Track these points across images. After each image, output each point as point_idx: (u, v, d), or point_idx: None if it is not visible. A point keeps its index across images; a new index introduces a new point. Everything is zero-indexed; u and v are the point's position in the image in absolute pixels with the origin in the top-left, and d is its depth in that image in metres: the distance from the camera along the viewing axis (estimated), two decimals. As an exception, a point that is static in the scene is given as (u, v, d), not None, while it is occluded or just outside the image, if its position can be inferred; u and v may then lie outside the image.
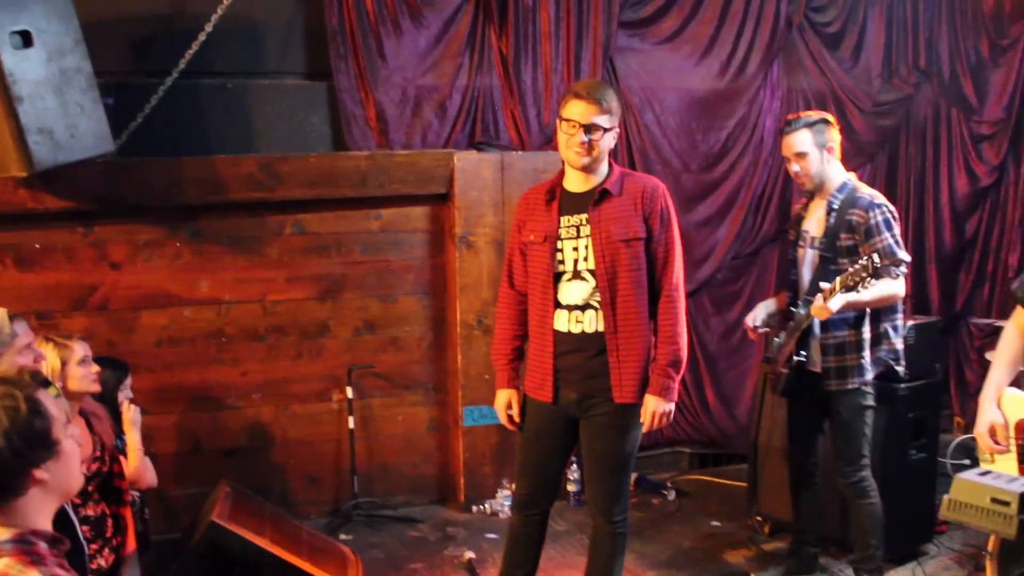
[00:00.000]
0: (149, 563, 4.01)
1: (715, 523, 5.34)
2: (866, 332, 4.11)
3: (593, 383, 3.59)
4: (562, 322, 3.62)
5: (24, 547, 1.85)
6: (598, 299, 3.56)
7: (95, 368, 3.76)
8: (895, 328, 4.19)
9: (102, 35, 4.67)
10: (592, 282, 3.57)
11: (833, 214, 4.09)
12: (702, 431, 6.21)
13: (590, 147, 3.50)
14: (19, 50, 3.96)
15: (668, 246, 3.59)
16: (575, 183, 3.65)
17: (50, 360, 3.61)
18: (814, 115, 4.16)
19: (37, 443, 1.94)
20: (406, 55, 5.41)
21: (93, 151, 4.35)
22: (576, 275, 3.60)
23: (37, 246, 4.89)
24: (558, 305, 3.63)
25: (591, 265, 3.56)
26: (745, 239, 6.18)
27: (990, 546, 3.83)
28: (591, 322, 3.58)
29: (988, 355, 5.02)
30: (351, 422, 5.41)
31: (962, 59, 6.48)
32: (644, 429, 3.61)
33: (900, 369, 4.23)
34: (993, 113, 6.50)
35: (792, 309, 4.24)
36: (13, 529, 1.88)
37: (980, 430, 3.46)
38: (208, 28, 4.91)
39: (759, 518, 5.14)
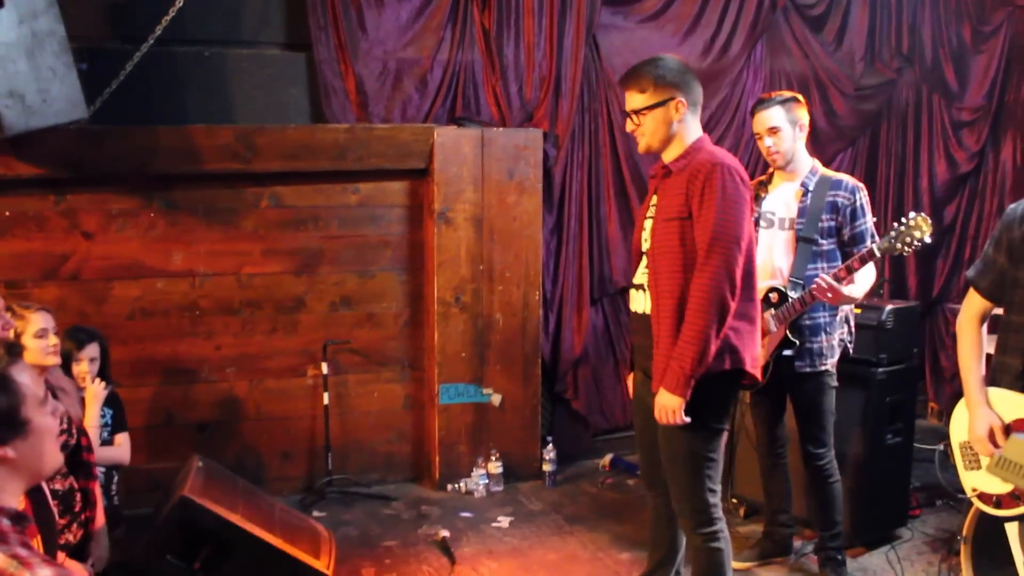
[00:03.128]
0: (119, 538, 3.95)
1: (690, 504, 5.33)
2: (838, 314, 4.15)
3: (649, 366, 3.43)
4: (632, 300, 3.57)
5: None
6: (647, 280, 3.44)
7: (54, 340, 3.65)
8: (851, 311, 4.26)
9: (76, -2, 4.58)
10: (646, 261, 3.47)
11: (810, 195, 4.07)
12: (678, 412, 6.19)
13: (640, 131, 3.41)
14: (-10, 11, 3.86)
15: (704, 226, 3.22)
16: (664, 160, 3.49)
17: None
18: (787, 93, 4.17)
19: (6, 419, 1.88)
20: (387, 27, 5.33)
21: (66, 117, 4.26)
22: (645, 254, 3.49)
23: (7, 214, 4.80)
24: (633, 283, 3.57)
25: (648, 245, 3.45)
26: (725, 221, 6.16)
27: (964, 530, 3.85)
28: (643, 302, 3.47)
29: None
30: (326, 398, 5.36)
31: (944, 45, 6.49)
32: (660, 421, 3.33)
33: (850, 350, 4.29)
34: (974, 100, 6.51)
35: (774, 295, 4.08)
36: None
37: (979, 434, 3.16)
38: (186, -6, 4.82)
39: (734, 500, 5.13)
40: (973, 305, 3.34)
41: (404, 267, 5.54)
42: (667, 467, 3.46)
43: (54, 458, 2.05)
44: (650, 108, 3.35)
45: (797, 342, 4.07)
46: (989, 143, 6.56)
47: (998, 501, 3.12)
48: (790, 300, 4.03)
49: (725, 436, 3.46)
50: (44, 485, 2.75)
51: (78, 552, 3.59)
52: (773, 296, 4.09)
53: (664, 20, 5.92)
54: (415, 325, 5.60)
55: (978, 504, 3.21)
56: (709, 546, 3.44)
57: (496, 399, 5.53)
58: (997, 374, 3.26)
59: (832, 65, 6.29)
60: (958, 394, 6.74)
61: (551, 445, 5.62)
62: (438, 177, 5.32)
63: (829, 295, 3.88)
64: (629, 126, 3.46)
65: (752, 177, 5.97)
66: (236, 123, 5.12)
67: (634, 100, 3.40)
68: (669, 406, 3.25)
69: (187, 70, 5.12)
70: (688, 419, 3.25)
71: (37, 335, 3.59)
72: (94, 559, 3.62)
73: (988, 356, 3.36)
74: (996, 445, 3.14)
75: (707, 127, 5.96)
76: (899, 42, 6.45)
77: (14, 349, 2.05)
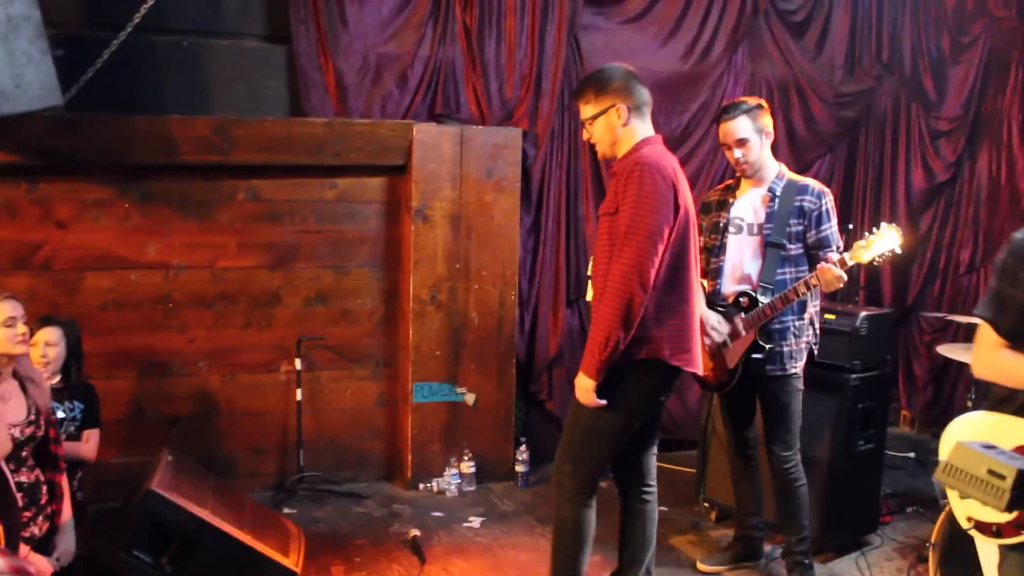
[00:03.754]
0: (85, 532, 3.89)
1: (662, 508, 5.28)
2: (805, 318, 4.15)
3: None
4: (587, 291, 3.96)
5: None
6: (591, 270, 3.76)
7: (22, 329, 3.57)
8: (817, 314, 4.26)
9: (54, -17, 4.53)
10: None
11: (777, 200, 4.09)
12: (652, 415, 6.19)
13: (593, 139, 3.63)
14: (-36, -6, 3.80)
15: (622, 225, 3.39)
16: None
17: None
18: (751, 101, 4.16)
19: None
20: (368, 22, 5.31)
21: (40, 103, 4.19)
22: None
23: (-22, 201, 4.73)
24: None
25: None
26: (703, 224, 6.17)
27: (933, 537, 3.86)
28: (591, 292, 3.79)
29: (940, 349, 5.09)
30: (299, 394, 5.32)
31: (923, 54, 6.52)
32: (579, 400, 3.54)
33: (815, 352, 4.29)
34: (951, 110, 6.54)
35: (744, 299, 4.11)
36: None
37: None
38: (165, -18, 4.77)
39: (706, 505, 5.14)
40: (991, 342, 2.91)
41: (380, 264, 5.51)
42: (565, 432, 3.70)
43: (3, 444, 2.01)
44: (595, 117, 3.57)
45: (768, 346, 4.09)
46: (966, 153, 6.59)
47: (998, 531, 2.86)
48: (760, 305, 4.05)
49: (626, 421, 3.57)
50: (7, 472, 2.70)
51: (43, 545, 3.54)
52: (743, 300, 4.11)
53: (646, 22, 5.92)
54: (390, 322, 5.56)
55: (976, 535, 2.93)
56: (567, 510, 3.68)
57: (470, 398, 5.51)
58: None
59: (812, 71, 6.31)
60: (931, 403, 6.81)
61: (524, 446, 5.60)
62: (416, 174, 5.29)
63: (839, 284, 3.90)
64: (584, 135, 3.68)
65: (720, 181, 6.05)
66: (214, 114, 5.07)
67: (583, 111, 3.63)
68: (583, 387, 3.48)
69: (165, 59, 5.07)
70: (603, 401, 3.47)
71: (5, 324, 3.51)
72: (59, 553, 3.56)
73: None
74: None
75: (687, 130, 6.02)
76: (879, 50, 6.48)
77: None
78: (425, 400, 5.45)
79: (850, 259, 3.92)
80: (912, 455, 6.17)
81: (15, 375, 3.52)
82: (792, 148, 6.30)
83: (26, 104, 4.11)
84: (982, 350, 2.94)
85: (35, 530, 3.50)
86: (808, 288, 3.97)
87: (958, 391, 6.48)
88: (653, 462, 3.88)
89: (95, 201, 4.94)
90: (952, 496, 3.06)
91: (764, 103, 4.16)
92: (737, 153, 4.09)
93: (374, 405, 5.61)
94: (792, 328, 4.11)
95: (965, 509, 2.97)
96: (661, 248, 3.36)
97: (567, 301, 5.87)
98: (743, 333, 4.10)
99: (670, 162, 3.49)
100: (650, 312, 3.41)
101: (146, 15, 4.76)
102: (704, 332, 4.07)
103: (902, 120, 6.64)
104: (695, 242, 3.60)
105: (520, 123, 5.57)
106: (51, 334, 4.15)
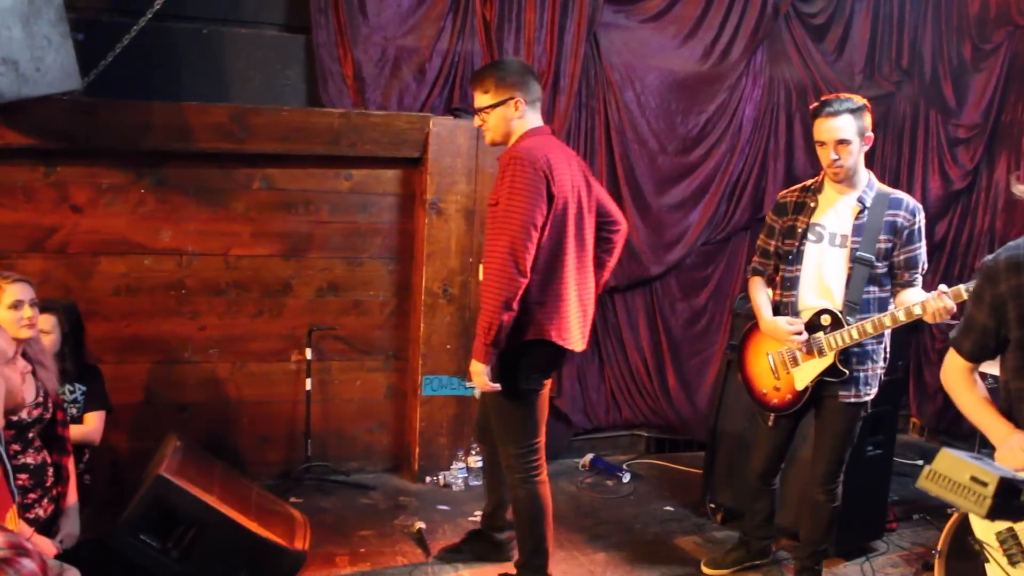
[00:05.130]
0: (92, 515, 3.91)
1: (668, 508, 5.33)
2: (883, 340, 3.93)
3: None
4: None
5: None
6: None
7: (28, 313, 3.57)
8: (888, 337, 3.98)
9: (76, -32, 4.55)
10: None
11: (866, 212, 3.80)
12: (661, 415, 6.20)
13: (486, 127, 3.86)
14: (-14, -25, 3.82)
15: (497, 215, 3.66)
16: None
17: None
18: (856, 99, 3.79)
19: None
20: (388, 14, 5.30)
21: (59, 87, 4.21)
22: None
23: (-5, 183, 4.75)
24: None
25: None
26: (717, 225, 6.15)
27: (939, 545, 3.84)
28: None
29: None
30: (308, 384, 5.33)
31: (944, 61, 6.48)
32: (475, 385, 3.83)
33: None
34: (971, 117, 6.50)
35: (826, 317, 3.84)
36: None
37: None
38: (186, -30, 4.79)
39: (712, 506, 5.13)
40: (956, 364, 2.94)
41: (393, 256, 5.51)
42: (492, 423, 4.01)
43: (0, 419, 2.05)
44: (492, 107, 3.80)
45: (847, 372, 3.85)
46: (983, 161, 6.55)
47: None
48: (847, 326, 3.78)
49: (535, 396, 3.88)
50: (3, 455, 2.71)
51: (47, 527, 3.56)
52: (825, 319, 3.85)
53: (666, 21, 5.90)
54: (401, 315, 5.57)
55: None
56: (516, 490, 3.95)
57: (479, 393, 5.50)
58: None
59: (831, 75, 6.28)
60: (941, 411, 6.76)
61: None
62: (432, 167, 5.29)
63: (946, 318, 3.55)
64: (476, 122, 3.89)
65: (736, 184, 6.01)
66: (231, 102, 5.07)
67: (480, 100, 3.83)
68: (475, 371, 3.74)
69: (184, 47, 5.07)
70: (496, 385, 3.75)
71: (11, 306, 3.52)
72: (63, 535, 3.58)
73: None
74: None
75: (703, 131, 6.01)
76: (899, 56, 6.45)
77: None
78: (434, 393, 5.45)
79: (966, 292, 3.43)
80: (920, 462, 6.14)
81: (25, 357, 3.53)
82: (809, 152, 6.27)
83: (46, 87, 4.13)
84: (947, 372, 2.99)
85: (39, 512, 3.52)
86: (909, 317, 3.64)
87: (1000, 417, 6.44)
88: None
89: (111, 186, 4.96)
90: (1000, 562, 2.89)
91: (867, 103, 3.82)
92: (833, 155, 3.74)
93: (383, 397, 5.61)
94: (872, 352, 3.90)
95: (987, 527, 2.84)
96: (535, 235, 3.62)
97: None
98: (825, 353, 3.85)
99: (546, 153, 3.68)
100: (533, 296, 3.69)
101: (166, 2, 4.76)
102: (781, 341, 3.93)
103: (920, 126, 6.60)
104: (576, 228, 3.79)
105: (537, 119, 5.56)
106: (44, 322, 4.03)
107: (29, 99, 4.13)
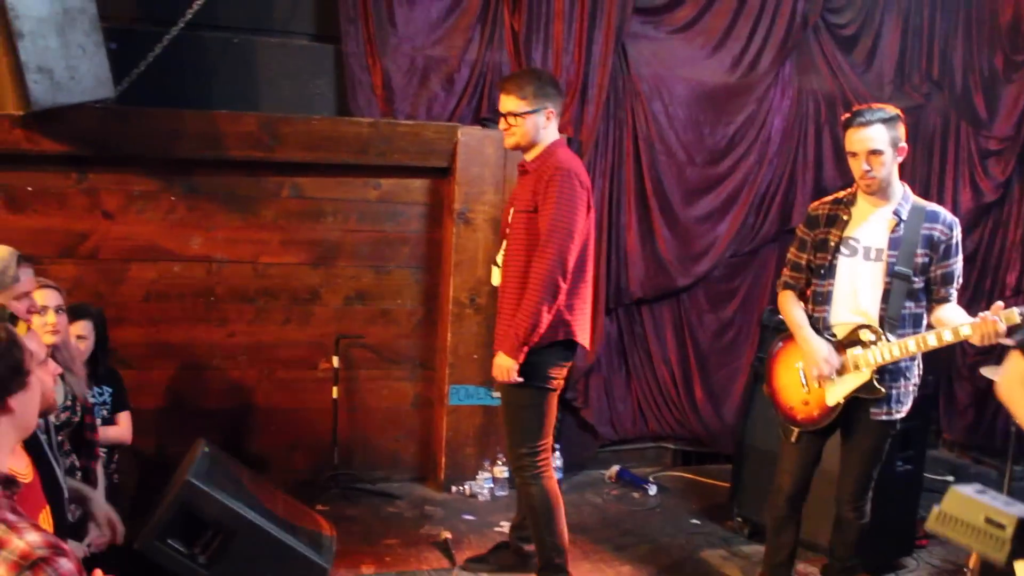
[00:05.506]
0: (119, 518, 3.92)
1: (695, 521, 5.30)
2: (916, 357, 3.83)
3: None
4: (492, 275, 4.29)
5: None
6: (501, 259, 4.11)
7: (52, 318, 3.59)
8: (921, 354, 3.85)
9: (110, -22, 4.60)
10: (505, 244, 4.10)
11: (902, 225, 3.68)
12: (688, 427, 6.16)
13: (512, 131, 3.99)
14: (23, -15, 3.87)
15: (543, 222, 3.86)
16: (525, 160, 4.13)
17: None
18: (889, 109, 3.69)
19: (15, 370, 1.88)
20: (417, 24, 5.33)
21: (93, 95, 4.27)
22: (506, 238, 4.13)
23: (29, 189, 4.81)
24: (496, 262, 4.23)
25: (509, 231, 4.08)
26: (745, 237, 6.12)
27: (971, 563, 3.80)
28: (497, 278, 4.15)
29: (983, 371, 5.00)
30: (335, 392, 5.34)
31: (975, 72, 6.43)
32: (497, 379, 4.01)
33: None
34: (1002, 129, 6.44)
35: (867, 332, 3.71)
36: None
37: None
38: (218, -20, 4.83)
39: (739, 520, 5.09)
40: (1017, 369, 2.93)
41: (421, 265, 5.52)
42: (507, 423, 4.14)
43: (36, 418, 2.07)
44: (526, 113, 3.95)
45: (883, 390, 3.72)
46: (1016, 174, 6.48)
47: None
48: (888, 342, 3.66)
49: (553, 396, 4.07)
50: (53, 461, 2.74)
51: (75, 531, 3.57)
52: (865, 333, 3.71)
53: (694, 32, 5.89)
54: (428, 324, 5.58)
55: None
56: (525, 489, 4.08)
57: (505, 402, 5.50)
58: None
59: (860, 87, 6.23)
60: (972, 426, 6.69)
61: (558, 453, 5.58)
62: (460, 177, 5.31)
63: (995, 341, 3.44)
64: (502, 125, 4.03)
65: (765, 195, 5.98)
66: (261, 111, 5.11)
67: (513, 104, 3.97)
68: (504, 366, 3.91)
69: (215, 56, 5.12)
70: (521, 379, 3.90)
71: (38, 312, 3.55)
72: (91, 539, 3.59)
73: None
74: None
75: (732, 142, 5.99)
76: (929, 67, 6.40)
77: (12, 317, 2.09)
78: (461, 403, 5.45)
79: (1019, 316, 3.36)
80: (951, 479, 6.08)
81: (55, 360, 3.55)
82: (838, 163, 6.23)
83: (79, 95, 4.19)
84: (1006, 377, 2.96)
85: (67, 516, 3.53)
86: (957, 338, 3.51)
87: (1000, 415, 6.36)
88: None
89: (142, 193, 5.00)
90: None
91: (901, 113, 3.72)
92: (865, 166, 3.63)
93: (409, 406, 5.62)
94: (906, 369, 3.79)
95: None
96: (578, 244, 3.87)
97: (606, 309, 5.84)
98: (862, 370, 3.71)
99: (581, 165, 4.04)
100: (563, 300, 3.89)
101: (198, 12, 4.82)
102: (811, 362, 3.78)
103: (951, 138, 6.54)
104: (593, 233, 4.08)
105: (565, 130, 5.52)
106: (82, 328, 4.12)
107: (63, 107, 4.18)
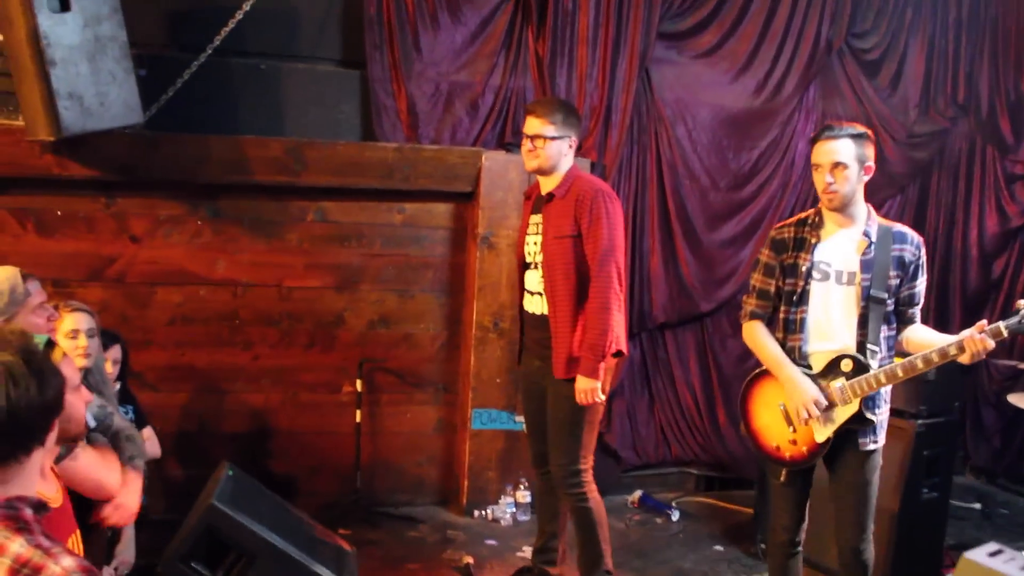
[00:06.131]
0: (144, 542, 3.95)
1: (718, 548, 5.26)
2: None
3: (549, 356, 4.15)
4: (528, 303, 4.31)
5: (10, 512, 1.79)
6: (542, 287, 4.16)
7: (84, 342, 3.63)
8: None
9: (140, 6, 4.68)
10: (540, 272, 4.17)
11: (873, 247, 3.58)
12: (711, 453, 6.13)
13: (535, 154, 4.10)
14: (56, 13, 3.95)
15: (595, 242, 4.00)
16: (542, 186, 4.24)
17: None
18: (859, 127, 3.65)
19: (54, 406, 1.90)
20: (442, 50, 5.37)
21: (122, 121, 4.33)
22: (535, 266, 4.22)
23: (59, 213, 4.87)
24: (529, 289, 4.29)
25: (540, 258, 4.16)
26: (769, 262, 6.09)
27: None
28: (541, 305, 4.19)
29: (1010, 398, 4.95)
30: (358, 416, 5.36)
31: (1001, 96, 6.40)
32: (581, 402, 4.03)
33: None
34: (1029, 154, 6.41)
35: (847, 363, 3.57)
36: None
37: None
38: (246, 7, 4.88)
39: (763, 547, 5.04)
40: None
41: (444, 289, 5.54)
42: (555, 437, 4.18)
43: (80, 426, 2.10)
44: (553, 138, 4.07)
45: (874, 419, 3.60)
46: (1042, 199, 6.46)
47: None
48: (872, 371, 3.53)
49: (602, 408, 4.21)
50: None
51: (104, 554, 3.59)
52: (846, 364, 3.57)
53: (718, 57, 5.90)
54: (452, 348, 5.59)
55: None
56: (579, 505, 4.15)
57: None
58: None
59: (885, 111, 6.23)
60: (999, 453, 6.63)
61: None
62: (483, 201, 5.33)
63: (982, 358, 3.37)
64: (526, 146, 4.13)
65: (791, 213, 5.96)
66: (287, 136, 5.16)
67: (541, 127, 4.08)
68: (589, 388, 3.99)
69: (242, 82, 5.18)
70: (604, 397, 4.06)
71: (67, 335, 3.59)
72: (118, 562, 3.62)
73: None
74: None
75: (755, 166, 5.99)
76: (955, 91, 6.38)
77: (50, 343, 2.10)
78: (484, 427, 5.45)
79: (1006, 329, 3.28)
80: (978, 506, 6.02)
81: (87, 385, 3.59)
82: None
83: (109, 121, 4.25)
84: None
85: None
86: (944, 358, 3.39)
87: (1027, 441, 6.32)
88: None
89: (168, 217, 5.05)
90: None
91: (871, 133, 3.67)
92: (828, 178, 3.55)
93: (432, 430, 5.62)
94: (884, 395, 3.65)
95: None
96: (625, 259, 4.20)
97: (629, 334, 5.83)
98: (850, 402, 3.56)
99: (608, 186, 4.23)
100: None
101: (226, 38, 4.89)
102: (798, 404, 3.60)
103: (976, 163, 6.51)
104: None
105: (588, 154, 5.57)
106: (117, 352, 4.21)
107: (92, 132, 4.24)
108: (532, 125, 4.11)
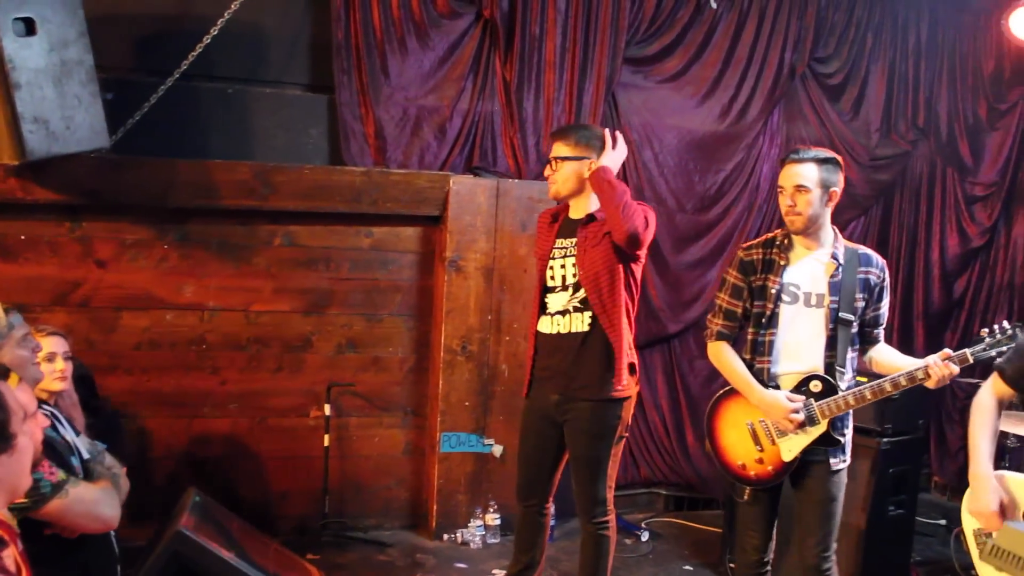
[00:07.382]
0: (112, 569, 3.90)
1: (687, 567, 5.28)
2: None
3: (567, 385, 4.05)
4: (553, 325, 4.08)
5: None
6: (571, 304, 4.04)
7: (61, 365, 3.62)
8: None
9: (107, 30, 4.66)
10: (570, 292, 4.03)
11: (841, 269, 3.62)
12: (680, 473, 6.16)
13: (555, 177, 4.06)
14: (21, 37, 3.92)
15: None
16: (574, 209, 4.13)
17: None
18: (826, 152, 3.68)
19: None
20: (410, 74, 5.39)
21: (88, 145, 4.29)
22: (563, 288, 4.06)
23: (22, 237, 4.82)
24: (552, 311, 4.10)
25: (574, 279, 4.01)
26: (735, 283, 6.15)
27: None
28: (568, 325, 4.03)
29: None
30: (327, 440, 5.33)
31: (960, 120, 6.53)
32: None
33: None
34: (987, 176, 6.54)
35: (816, 384, 3.61)
36: None
37: (991, 508, 3.03)
38: (213, 32, 4.89)
39: (732, 566, 5.06)
40: (998, 388, 3.19)
41: (412, 313, 5.54)
42: (579, 471, 4.09)
43: (28, 480, 2.04)
44: (569, 159, 4.01)
45: (842, 440, 3.64)
46: (1001, 219, 6.58)
47: None
48: (841, 393, 3.58)
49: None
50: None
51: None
52: (815, 385, 3.61)
53: (683, 82, 5.97)
54: (420, 371, 5.58)
55: None
56: (599, 533, 4.10)
57: (497, 450, 5.50)
58: None
59: (848, 134, 6.33)
60: (963, 469, 6.67)
61: (551, 500, 5.56)
62: (451, 225, 5.34)
63: (945, 383, 3.47)
64: (547, 171, 4.10)
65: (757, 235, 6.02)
66: (255, 161, 5.15)
67: (560, 150, 4.04)
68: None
69: (210, 106, 5.17)
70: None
71: (45, 359, 3.57)
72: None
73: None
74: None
75: (721, 189, 6.06)
76: (915, 115, 6.49)
77: (3, 371, 2.07)
78: (452, 450, 5.44)
79: (972, 356, 3.39)
80: (943, 522, 6.08)
81: (57, 411, 3.55)
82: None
83: (75, 145, 4.22)
84: (982, 391, 3.22)
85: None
86: (911, 383, 3.48)
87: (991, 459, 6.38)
88: None
89: (135, 241, 5.02)
90: (975, 555, 3.10)
91: (840, 160, 3.69)
92: (790, 201, 3.58)
93: (401, 453, 5.61)
94: (850, 415, 3.71)
95: (988, 571, 2.96)
96: (650, 232, 4.00)
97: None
98: (818, 422, 3.59)
99: None
100: (632, 342, 4.08)
101: (193, 63, 4.89)
102: (776, 418, 3.62)
103: (937, 184, 6.63)
104: None
105: (555, 177, 5.60)
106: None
107: (58, 156, 4.21)
108: (554, 149, 4.08)
